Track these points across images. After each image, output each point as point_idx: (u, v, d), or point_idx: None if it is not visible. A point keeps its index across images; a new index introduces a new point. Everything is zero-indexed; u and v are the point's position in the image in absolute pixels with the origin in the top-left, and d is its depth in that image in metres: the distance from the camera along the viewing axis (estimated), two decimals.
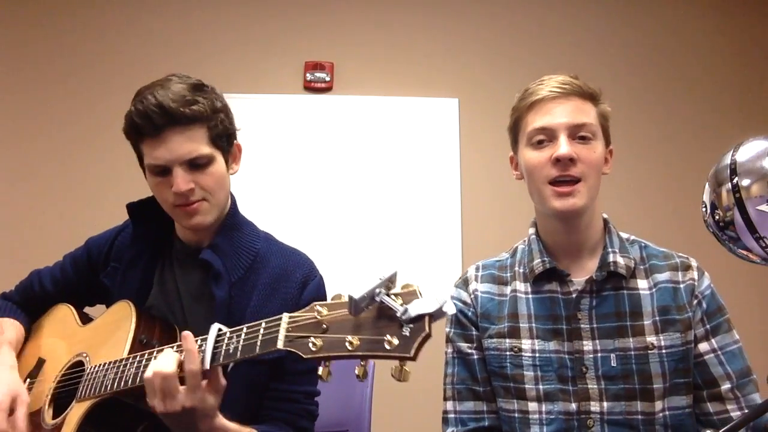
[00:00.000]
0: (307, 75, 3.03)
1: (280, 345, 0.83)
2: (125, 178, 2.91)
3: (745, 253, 0.92)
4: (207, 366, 0.91)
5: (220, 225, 1.23)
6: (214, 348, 0.92)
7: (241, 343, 0.89)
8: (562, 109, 1.14)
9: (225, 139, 1.19)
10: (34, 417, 1.18)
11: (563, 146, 1.11)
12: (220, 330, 0.94)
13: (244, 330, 0.90)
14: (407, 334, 0.72)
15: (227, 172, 1.21)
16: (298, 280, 1.21)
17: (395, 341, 0.72)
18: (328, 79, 3.03)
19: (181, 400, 0.92)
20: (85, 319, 1.30)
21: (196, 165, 1.13)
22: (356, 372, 0.78)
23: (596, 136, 1.16)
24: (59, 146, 2.94)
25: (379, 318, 0.75)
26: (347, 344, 0.75)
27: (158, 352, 1.00)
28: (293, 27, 3.09)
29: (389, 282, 0.75)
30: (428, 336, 0.72)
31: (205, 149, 1.14)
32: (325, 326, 0.79)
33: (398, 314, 0.72)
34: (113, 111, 2.94)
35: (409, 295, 0.75)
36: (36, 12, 3.05)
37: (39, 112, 2.97)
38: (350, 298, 0.74)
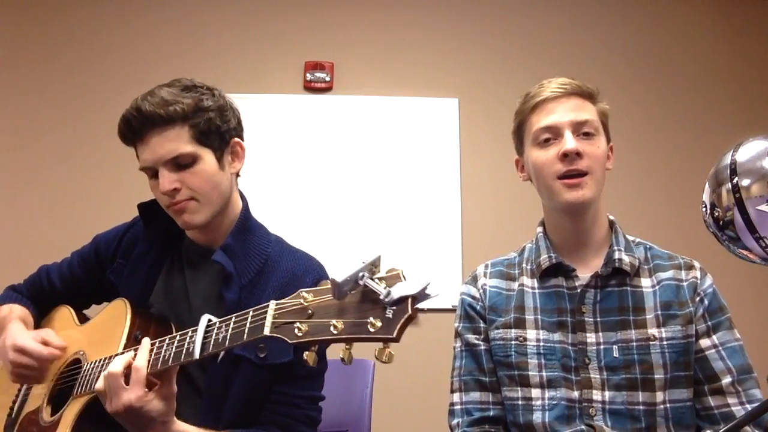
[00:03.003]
0: (307, 75, 3.03)
1: (267, 332, 0.83)
2: (128, 179, 2.92)
3: (745, 253, 0.92)
4: (197, 356, 0.90)
5: (233, 227, 1.22)
6: (204, 338, 0.91)
7: (230, 331, 0.89)
8: (564, 108, 1.19)
9: (216, 136, 1.16)
10: (33, 415, 1.18)
11: (570, 141, 1.16)
12: (210, 321, 0.94)
13: (233, 319, 0.90)
14: (390, 316, 0.72)
15: (221, 170, 1.18)
16: (308, 285, 1.19)
17: (378, 323, 0.72)
18: (328, 79, 3.03)
19: (123, 398, 0.93)
20: (83, 320, 1.30)
21: (180, 165, 1.13)
22: (341, 356, 0.77)
23: (599, 132, 1.21)
24: (62, 148, 2.94)
25: (362, 302, 0.76)
26: (332, 328, 0.76)
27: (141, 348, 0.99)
28: (293, 27, 3.09)
29: (372, 266, 0.76)
30: (411, 317, 0.72)
31: (187, 148, 1.13)
32: (310, 311, 0.80)
33: (381, 297, 0.72)
34: (114, 112, 2.96)
35: (392, 279, 0.75)
36: (37, 13, 3.06)
37: (42, 114, 2.97)
38: (333, 281, 0.74)
